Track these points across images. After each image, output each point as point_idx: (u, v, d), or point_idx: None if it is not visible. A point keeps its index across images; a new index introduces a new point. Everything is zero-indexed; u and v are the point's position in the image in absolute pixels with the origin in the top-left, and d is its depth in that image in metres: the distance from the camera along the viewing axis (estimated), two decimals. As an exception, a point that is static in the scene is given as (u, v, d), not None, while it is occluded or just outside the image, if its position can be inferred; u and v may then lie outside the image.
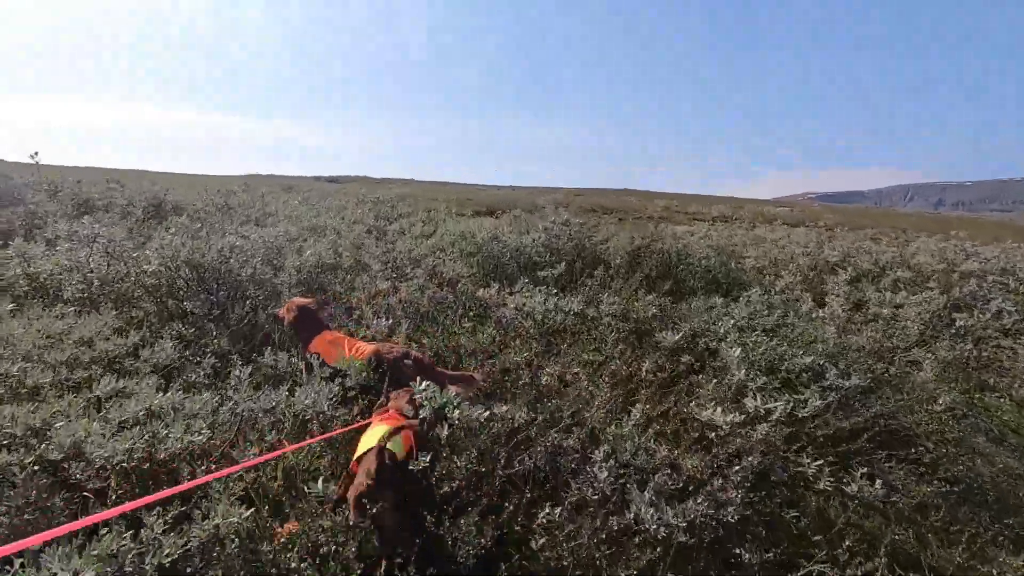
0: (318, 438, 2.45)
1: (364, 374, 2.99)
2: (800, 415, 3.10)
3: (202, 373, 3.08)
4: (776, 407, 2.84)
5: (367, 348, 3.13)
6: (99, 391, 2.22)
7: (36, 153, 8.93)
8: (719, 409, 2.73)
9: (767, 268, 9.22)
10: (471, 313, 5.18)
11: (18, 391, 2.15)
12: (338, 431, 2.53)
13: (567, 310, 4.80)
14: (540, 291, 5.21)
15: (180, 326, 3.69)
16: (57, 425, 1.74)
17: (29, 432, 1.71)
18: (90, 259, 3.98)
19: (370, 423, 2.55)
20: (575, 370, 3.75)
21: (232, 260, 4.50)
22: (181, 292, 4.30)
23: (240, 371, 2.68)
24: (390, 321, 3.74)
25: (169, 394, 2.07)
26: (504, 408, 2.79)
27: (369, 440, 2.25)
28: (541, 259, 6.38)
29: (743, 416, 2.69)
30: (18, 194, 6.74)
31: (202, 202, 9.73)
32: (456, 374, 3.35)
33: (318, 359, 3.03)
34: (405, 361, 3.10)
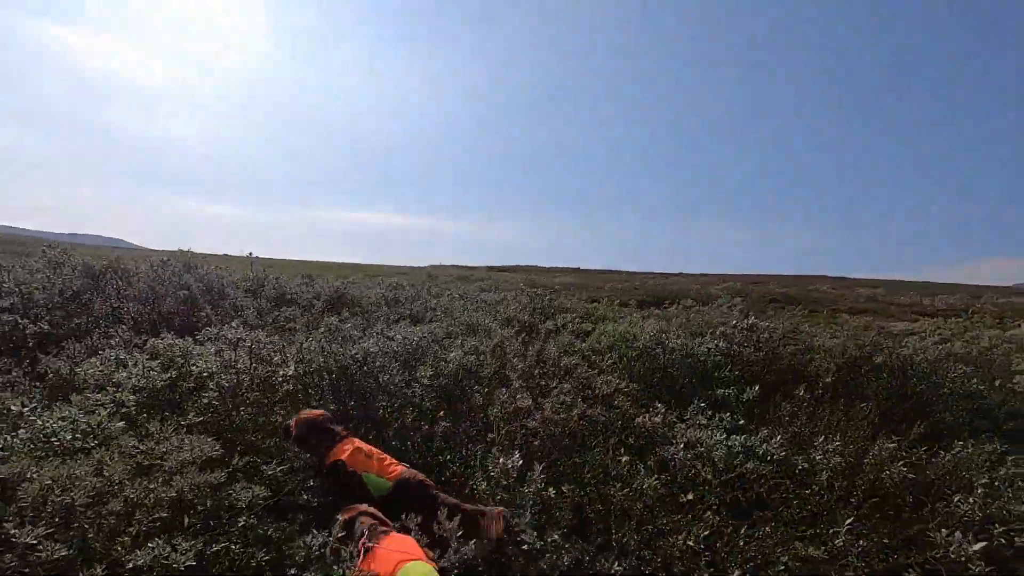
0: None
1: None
2: None
3: (299, 517, 2.62)
4: None
5: (399, 469, 3.00)
6: (133, 562, 1.77)
7: (251, 253, 10.47)
8: None
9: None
10: (628, 442, 4.15)
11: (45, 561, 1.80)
12: None
13: (761, 454, 3.52)
14: (720, 420, 3.99)
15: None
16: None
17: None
18: (236, 361, 3.96)
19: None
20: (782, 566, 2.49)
21: (366, 367, 4.20)
22: (314, 399, 4.08)
23: (316, 538, 2.08)
24: (521, 462, 2.92)
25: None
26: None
27: None
28: (720, 372, 5.13)
29: None
30: (226, 289, 7.65)
31: (374, 295, 10.37)
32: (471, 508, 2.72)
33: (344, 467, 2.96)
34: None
